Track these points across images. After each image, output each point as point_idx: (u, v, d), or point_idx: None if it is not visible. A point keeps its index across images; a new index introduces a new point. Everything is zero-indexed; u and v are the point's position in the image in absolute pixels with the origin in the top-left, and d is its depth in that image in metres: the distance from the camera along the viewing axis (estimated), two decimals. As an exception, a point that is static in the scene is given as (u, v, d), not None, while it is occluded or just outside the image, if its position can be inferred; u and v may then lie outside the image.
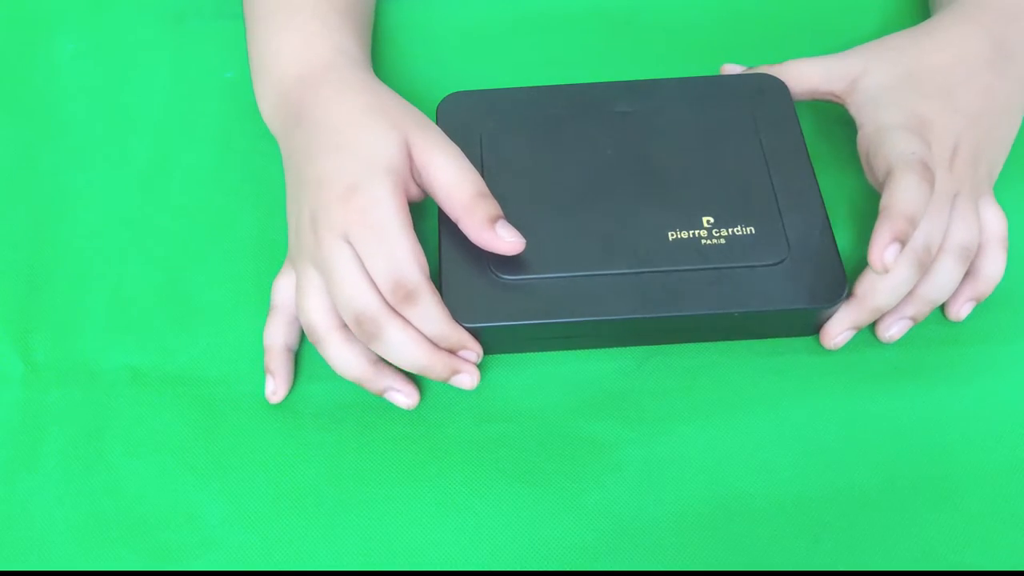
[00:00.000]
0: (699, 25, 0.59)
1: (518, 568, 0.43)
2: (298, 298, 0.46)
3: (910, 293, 0.47)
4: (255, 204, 0.54)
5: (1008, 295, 0.49)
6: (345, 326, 0.45)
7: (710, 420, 0.46)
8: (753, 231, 0.47)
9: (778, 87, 0.52)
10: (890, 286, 0.45)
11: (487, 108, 0.52)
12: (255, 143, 0.56)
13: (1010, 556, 0.43)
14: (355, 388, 0.47)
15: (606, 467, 0.45)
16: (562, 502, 0.44)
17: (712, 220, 0.47)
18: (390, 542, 0.44)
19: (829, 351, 0.48)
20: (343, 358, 0.45)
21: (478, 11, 0.60)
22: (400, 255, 0.43)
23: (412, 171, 0.46)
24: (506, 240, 0.44)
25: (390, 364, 0.46)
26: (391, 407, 0.47)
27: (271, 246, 0.52)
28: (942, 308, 0.49)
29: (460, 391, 0.47)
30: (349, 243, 0.44)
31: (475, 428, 0.46)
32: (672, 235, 0.47)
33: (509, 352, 0.48)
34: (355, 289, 0.43)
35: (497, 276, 0.46)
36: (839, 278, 0.46)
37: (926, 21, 0.52)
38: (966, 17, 0.50)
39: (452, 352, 0.45)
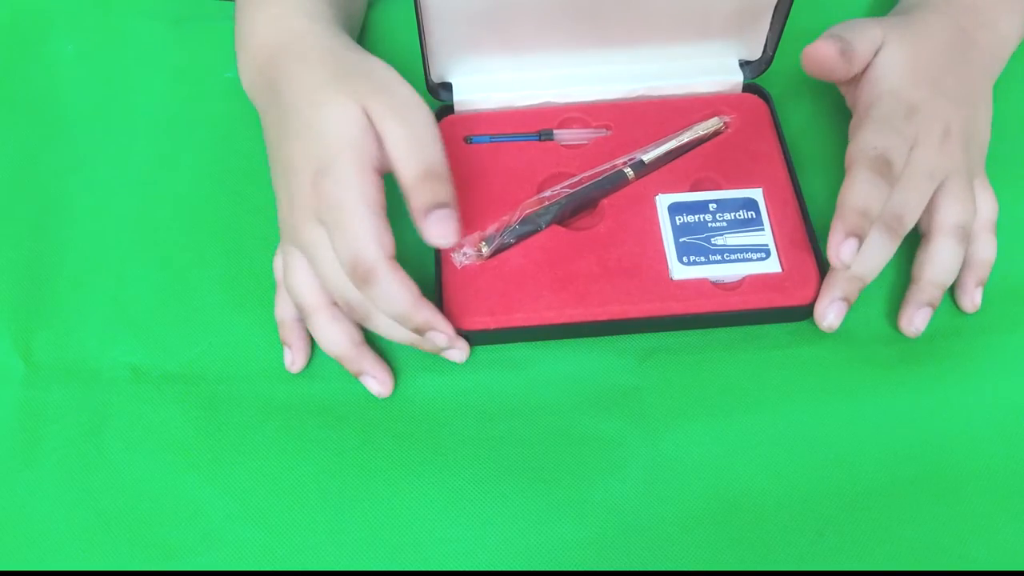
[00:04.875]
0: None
1: (523, 565, 0.43)
2: (286, 277, 0.46)
3: (917, 279, 0.47)
4: (255, 204, 0.54)
5: (1011, 288, 0.49)
6: (334, 303, 0.46)
7: (714, 416, 0.46)
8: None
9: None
10: (866, 255, 0.46)
11: None
12: (255, 143, 0.55)
13: (1015, 550, 0.43)
14: (357, 386, 0.47)
15: (610, 464, 0.45)
16: (566, 499, 0.44)
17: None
18: (394, 539, 0.43)
19: (828, 349, 0.48)
20: (326, 335, 0.46)
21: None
22: (355, 234, 0.42)
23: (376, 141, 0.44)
24: (434, 234, 0.43)
25: (373, 350, 0.47)
26: (394, 404, 0.47)
27: (271, 246, 0.52)
28: (955, 302, 0.49)
29: (462, 390, 0.47)
30: (322, 224, 0.43)
31: (479, 425, 0.46)
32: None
33: (509, 343, 0.48)
34: (333, 272, 0.43)
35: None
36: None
37: (902, 13, 0.53)
38: (935, 9, 0.52)
39: (423, 331, 0.44)
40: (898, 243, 0.46)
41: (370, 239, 0.42)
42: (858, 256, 0.44)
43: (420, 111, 0.44)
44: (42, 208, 0.54)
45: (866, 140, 0.46)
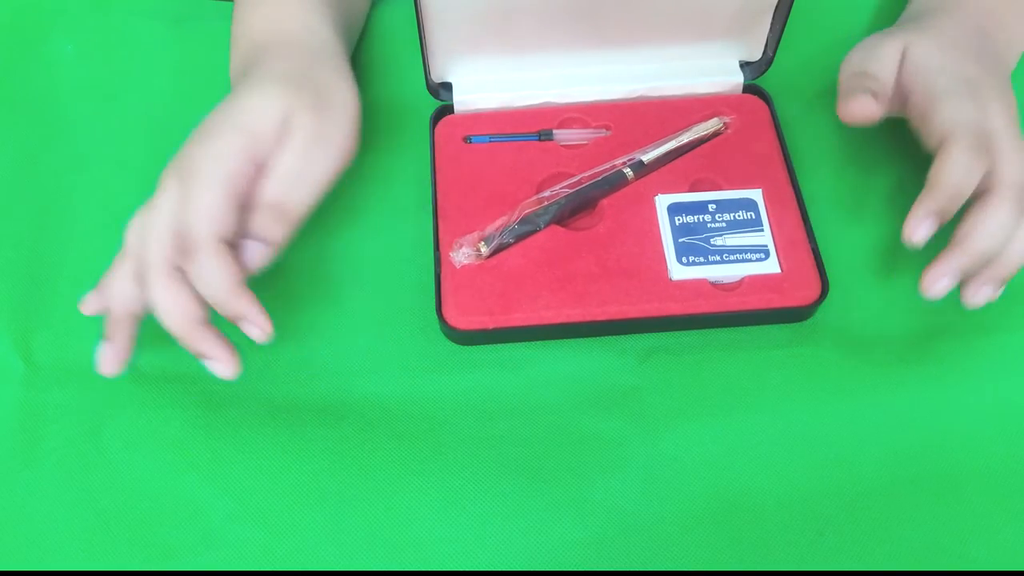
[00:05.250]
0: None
1: (523, 565, 0.43)
2: (137, 221, 0.44)
3: (961, 241, 0.44)
4: (255, 204, 0.54)
5: (1010, 287, 0.49)
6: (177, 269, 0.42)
7: (713, 415, 0.46)
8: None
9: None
10: (990, 231, 0.43)
11: None
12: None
13: (1015, 549, 0.43)
14: (357, 386, 0.47)
15: (610, 463, 0.45)
16: (566, 498, 0.44)
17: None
18: (394, 538, 0.43)
19: (829, 349, 0.48)
20: (162, 303, 0.42)
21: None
22: (197, 202, 0.41)
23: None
24: (245, 259, 0.43)
25: (215, 330, 0.43)
26: (392, 405, 0.47)
27: (272, 245, 0.52)
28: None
29: (464, 388, 0.47)
30: (179, 183, 0.42)
31: (478, 425, 0.46)
32: None
33: (508, 343, 0.48)
34: (151, 229, 0.42)
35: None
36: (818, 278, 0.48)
37: (911, 19, 0.53)
38: (949, 12, 0.51)
39: (236, 320, 0.42)
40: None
41: (209, 212, 0.41)
42: (990, 234, 0.43)
43: (334, 140, 0.45)
44: (42, 208, 0.54)
45: (955, 113, 0.44)
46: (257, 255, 0.44)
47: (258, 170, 0.43)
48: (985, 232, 0.44)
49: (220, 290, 0.41)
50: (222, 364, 0.43)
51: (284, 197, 0.44)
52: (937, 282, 0.44)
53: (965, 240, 0.44)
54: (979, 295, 0.45)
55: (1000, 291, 0.46)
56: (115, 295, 0.44)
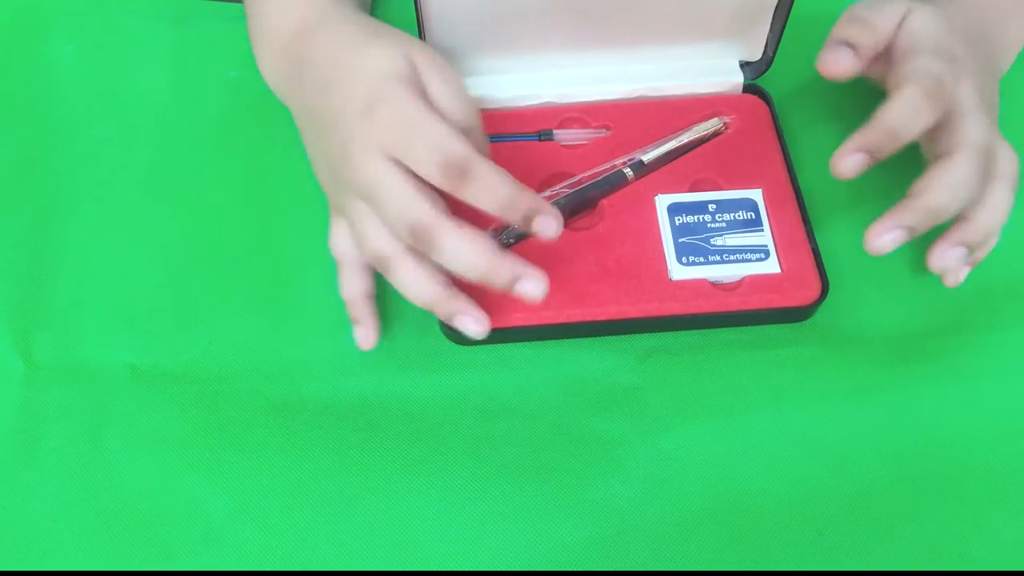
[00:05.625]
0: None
1: (523, 565, 0.43)
2: (356, 234, 0.44)
3: (962, 217, 0.45)
4: (255, 204, 0.54)
5: (1010, 287, 0.49)
6: (411, 249, 0.43)
7: (713, 415, 0.46)
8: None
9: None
10: (945, 184, 0.43)
11: None
12: (256, 143, 0.56)
13: (1015, 549, 0.43)
14: (357, 386, 0.47)
15: (610, 463, 0.45)
16: (566, 498, 0.44)
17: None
18: (394, 538, 0.43)
19: (829, 349, 0.48)
20: (412, 281, 0.43)
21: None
22: (439, 135, 0.40)
23: None
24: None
25: (463, 292, 0.44)
26: (394, 404, 0.47)
27: (271, 246, 0.52)
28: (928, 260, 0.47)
29: (462, 390, 0.47)
30: (387, 157, 0.41)
31: (478, 425, 0.46)
32: None
33: (509, 343, 0.49)
34: (403, 200, 0.41)
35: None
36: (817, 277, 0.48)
37: None
38: (953, 1, 0.51)
39: (528, 220, 0.41)
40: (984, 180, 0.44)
41: (454, 135, 0.40)
42: (947, 188, 0.42)
43: (451, 71, 0.44)
44: (42, 208, 0.54)
45: (919, 63, 0.44)
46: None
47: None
48: (940, 185, 0.43)
49: (511, 187, 0.41)
50: (474, 319, 0.44)
51: (461, 119, 0.43)
52: (882, 235, 0.43)
53: (918, 195, 0.43)
54: (945, 259, 0.45)
55: (968, 266, 0.46)
56: (350, 292, 0.47)
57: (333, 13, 0.48)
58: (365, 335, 0.47)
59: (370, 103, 0.42)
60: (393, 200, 0.41)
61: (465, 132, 0.42)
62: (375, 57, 0.43)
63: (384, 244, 0.43)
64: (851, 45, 0.46)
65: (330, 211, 0.48)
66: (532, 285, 0.42)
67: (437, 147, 0.40)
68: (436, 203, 0.41)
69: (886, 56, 0.48)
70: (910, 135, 0.43)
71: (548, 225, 0.41)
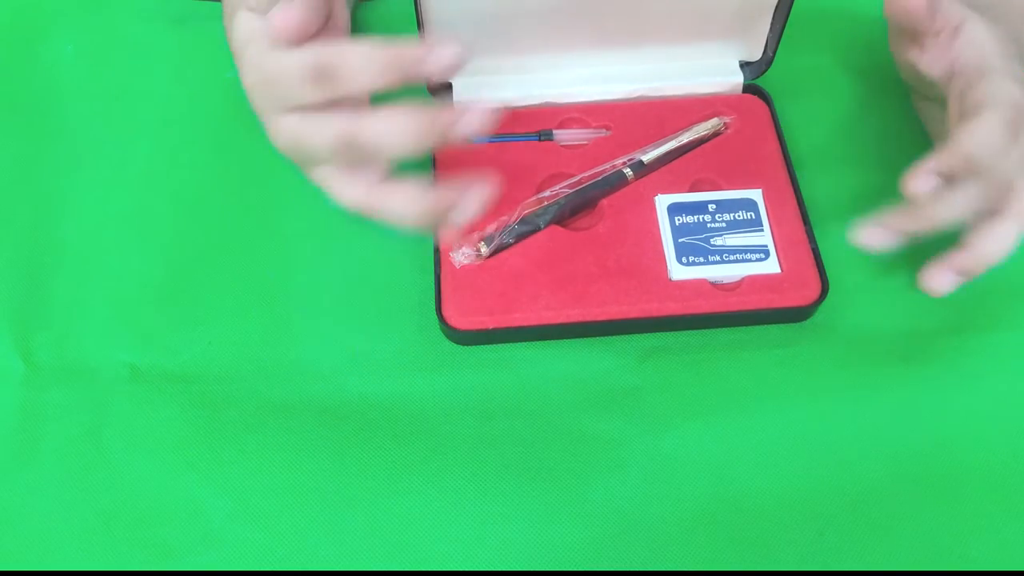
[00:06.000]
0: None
1: (523, 565, 0.43)
2: (330, 195, 0.43)
3: (964, 245, 0.44)
4: (255, 203, 0.54)
5: (1010, 287, 0.49)
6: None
7: (713, 415, 0.46)
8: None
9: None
10: (985, 140, 0.42)
11: None
12: (255, 143, 0.55)
13: (1015, 549, 0.43)
14: (357, 386, 0.47)
15: (610, 463, 0.45)
16: (566, 498, 0.44)
17: None
18: (394, 538, 0.43)
19: (829, 349, 0.48)
20: (342, 185, 0.42)
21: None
22: (285, 65, 0.40)
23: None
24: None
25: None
26: (392, 405, 0.47)
27: (271, 245, 0.52)
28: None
29: (464, 388, 0.47)
30: (282, 112, 0.41)
31: (478, 425, 0.46)
32: None
33: (508, 343, 0.48)
34: (317, 135, 0.40)
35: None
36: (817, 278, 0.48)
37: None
38: (994, 7, 0.49)
39: (420, 65, 0.38)
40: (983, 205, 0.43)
41: (297, 52, 0.40)
42: (943, 198, 0.42)
43: None
44: (42, 208, 0.54)
45: (1005, 88, 0.43)
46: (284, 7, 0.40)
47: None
48: (991, 242, 0.43)
49: (381, 53, 0.38)
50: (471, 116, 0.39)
51: None
52: (917, 181, 0.43)
53: (969, 250, 0.44)
54: (938, 281, 0.44)
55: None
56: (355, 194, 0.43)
57: None
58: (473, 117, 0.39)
59: (242, 74, 0.43)
60: (311, 141, 0.40)
61: (304, 34, 0.40)
62: (236, 27, 0.44)
63: (352, 191, 0.42)
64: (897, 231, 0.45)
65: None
66: (475, 117, 0.38)
67: (289, 75, 0.40)
68: (345, 111, 0.39)
69: (948, 57, 0.46)
70: (987, 164, 0.42)
71: (445, 51, 0.38)
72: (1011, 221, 0.44)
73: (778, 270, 0.49)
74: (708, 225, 0.50)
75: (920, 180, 0.41)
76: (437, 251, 0.49)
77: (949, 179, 0.42)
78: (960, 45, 0.46)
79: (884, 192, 0.53)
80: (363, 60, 0.39)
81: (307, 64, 0.40)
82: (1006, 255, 0.45)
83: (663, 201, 0.51)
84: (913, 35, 0.47)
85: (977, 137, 0.41)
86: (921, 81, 0.49)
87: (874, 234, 0.44)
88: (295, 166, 0.45)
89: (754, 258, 0.49)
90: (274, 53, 0.41)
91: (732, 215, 0.50)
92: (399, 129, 0.39)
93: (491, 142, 0.53)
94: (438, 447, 0.46)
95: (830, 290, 0.48)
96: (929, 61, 0.47)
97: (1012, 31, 0.49)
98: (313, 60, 0.39)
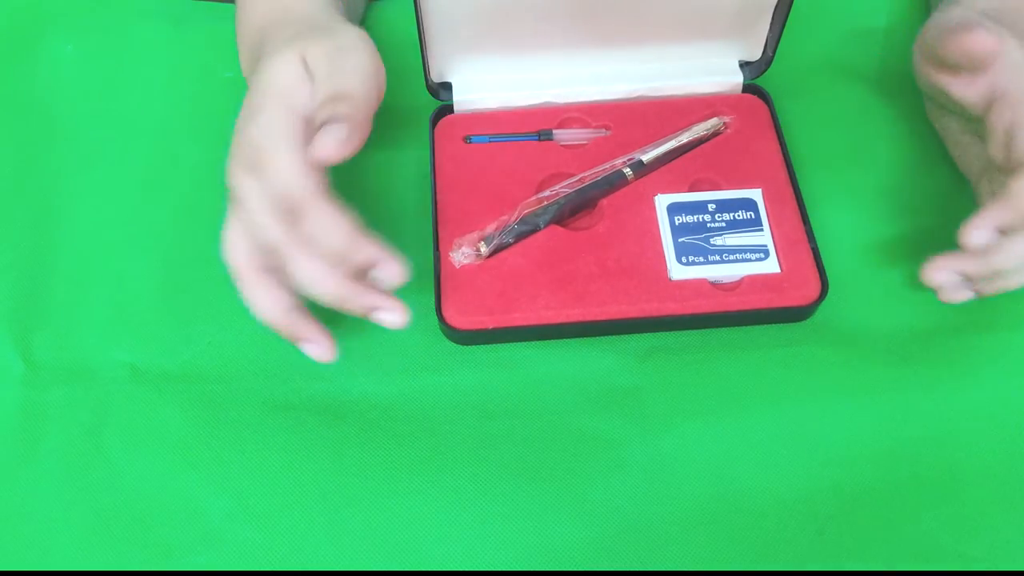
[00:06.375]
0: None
1: (523, 565, 0.43)
2: (222, 237, 0.43)
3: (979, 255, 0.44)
4: (255, 204, 0.54)
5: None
6: (268, 268, 0.42)
7: (713, 415, 0.46)
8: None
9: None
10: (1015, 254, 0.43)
11: None
12: (255, 143, 0.56)
13: (1014, 549, 0.43)
14: (357, 386, 0.47)
15: (610, 463, 0.45)
16: (566, 498, 0.44)
17: None
18: (394, 538, 0.43)
19: (828, 349, 0.48)
20: (259, 300, 0.42)
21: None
22: (279, 169, 0.40)
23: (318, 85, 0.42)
24: (318, 146, 0.39)
25: (309, 314, 0.43)
26: (394, 405, 0.47)
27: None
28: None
29: (462, 390, 0.47)
30: (250, 171, 0.41)
31: (478, 425, 0.46)
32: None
33: (508, 343, 0.48)
34: (256, 216, 0.41)
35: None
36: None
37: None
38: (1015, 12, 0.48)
39: (369, 265, 0.41)
40: None
41: (296, 172, 0.40)
42: (1001, 247, 0.42)
43: (356, 53, 0.43)
44: (42, 208, 0.54)
45: None
46: (331, 137, 0.40)
47: (308, 124, 0.42)
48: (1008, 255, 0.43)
49: (341, 237, 0.40)
50: (318, 345, 0.43)
51: (327, 90, 0.42)
52: (976, 234, 0.43)
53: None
54: (936, 276, 0.44)
55: (971, 293, 0.45)
56: (265, 310, 0.43)
57: (291, 11, 0.48)
58: (320, 350, 0.43)
59: (249, 115, 0.42)
60: (250, 208, 0.41)
61: (332, 98, 0.41)
62: (271, 66, 0.43)
63: (238, 254, 0.42)
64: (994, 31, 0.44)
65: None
66: (391, 316, 0.42)
67: (277, 182, 0.40)
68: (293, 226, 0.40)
69: (985, 83, 0.45)
70: None
71: (386, 276, 0.41)
72: None
73: (778, 270, 0.49)
74: (708, 225, 0.50)
75: (977, 233, 0.42)
76: (437, 251, 0.49)
77: (1005, 231, 0.42)
78: (999, 70, 0.45)
79: (884, 192, 0.53)
80: (330, 233, 0.40)
81: (280, 199, 0.40)
82: (1016, 265, 0.44)
83: (663, 201, 0.51)
84: (944, 59, 0.47)
85: None
86: (947, 99, 0.48)
87: (938, 275, 0.44)
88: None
89: (754, 258, 0.49)
90: (279, 163, 0.40)
91: (732, 215, 0.50)
92: (321, 285, 0.41)
93: (491, 142, 0.53)
94: (438, 447, 0.46)
95: (830, 290, 0.48)
96: (964, 87, 0.46)
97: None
98: (288, 205, 0.40)
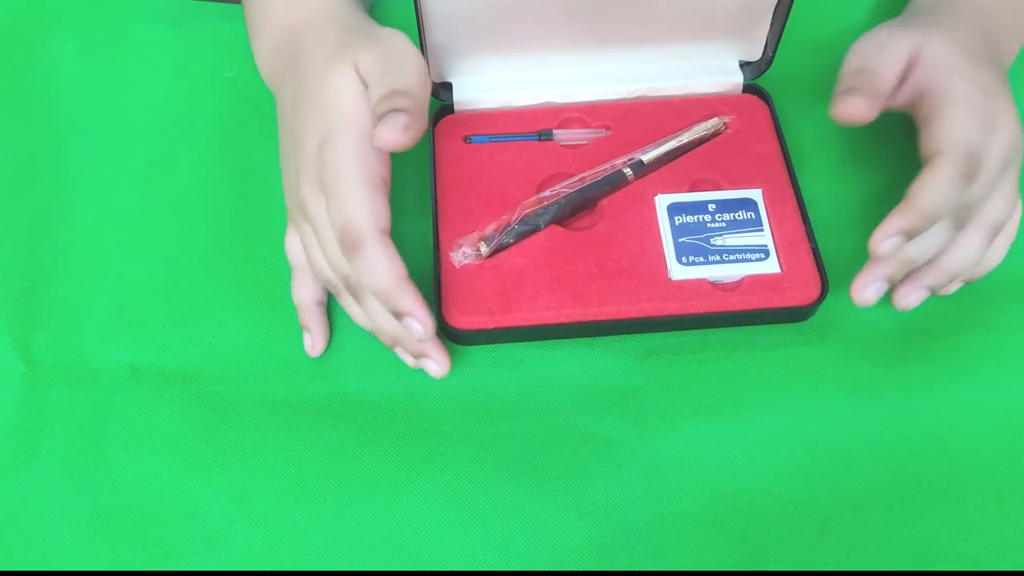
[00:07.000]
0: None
1: (522, 565, 0.43)
2: (308, 254, 0.46)
3: (931, 262, 0.46)
4: (255, 204, 0.54)
5: (1010, 287, 0.49)
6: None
7: (713, 415, 0.46)
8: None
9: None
10: (926, 240, 0.44)
11: None
12: (255, 143, 0.56)
13: (1015, 549, 0.43)
14: (357, 386, 0.47)
15: (610, 464, 0.45)
16: (566, 498, 0.44)
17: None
18: (394, 538, 0.43)
19: (829, 349, 0.48)
20: (355, 312, 0.46)
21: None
22: (345, 201, 0.42)
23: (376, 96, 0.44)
24: (382, 133, 0.41)
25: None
26: (394, 405, 0.47)
27: (271, 245, 0.52)
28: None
29: (462, 390, 0.47)
30: (324, 193, 0.43)
31: (478, 425, 0.46)
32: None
33: (508, 343, 0.48)
34: (330, 242, 0.43)
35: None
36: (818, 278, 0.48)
37: (917, 13, 0.52)
38: (957, 11, 0.50)
39: (400, 315, 0.43)
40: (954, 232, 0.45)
41: (361, 208, 0.41)
42: (913, 243, 0.43)
43: (408, 57, 0.44)
44: (42, 208, 0.54)
45: (956, 130, 0.43)
46: (397, 126, 0.41)
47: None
48: (956, 256, 0.45)
49: (387, 281, 0.42)
50: (435, 361, 0.45)
51: (386, 87, 0.43)
52: (907, 296, 0.47)
53: (935, 266, 0.46)
54: (908, 300, 0.47)
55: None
56: (301, 298, 0.48)
57: (328, 14, 0.48)
58: (312, 343, 0.48)
59: (322, 139, 0.43)
60: (323, 234, 0.44)
61: (392, 94, 0.42)
62: (331, 84, 0.44)
63: (329, 273, 0.45)
64: (859, 93, 0.45)
65: (287, 214, 0.49)
66: (437, 368, 0.45)
67: (341, 214, 0.42)
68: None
69: (908, 89, 0.47)
70: (945, 214, 0.43)
71: (415, 330, 0.42)
72: (976, 232, 0.45)
73: (778, 270, 0.49)
74: (708, 225, 0.50)
75: (886, 243, 0.42)
76: (437, 251, 0.49)
77: (911, 236, 0.43)
78: (920, 71, 0.46)
79: (883, 192, 0.53)
80: (378, 275, 0.42)
81: (342, 230, 0.42)
82: (973, 263, 0.46)
83: (663, 201, 0.51)
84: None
85: (931, 195, 0.42)
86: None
87: (866, 290, 0.45)
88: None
89: (754, 258, 0.49)
90: (349, 194, 0.42)
91: (732, 215, 0.50)
92: (381, 324, 0.45)
93: (491, 142, 0.53)
94: (438, 447, 0.46)
95: (830, 290, 0.48)
96: (891, 98, 0.47)
97: (980, 28, 0.49)
98: (352, 228, 0.42)
